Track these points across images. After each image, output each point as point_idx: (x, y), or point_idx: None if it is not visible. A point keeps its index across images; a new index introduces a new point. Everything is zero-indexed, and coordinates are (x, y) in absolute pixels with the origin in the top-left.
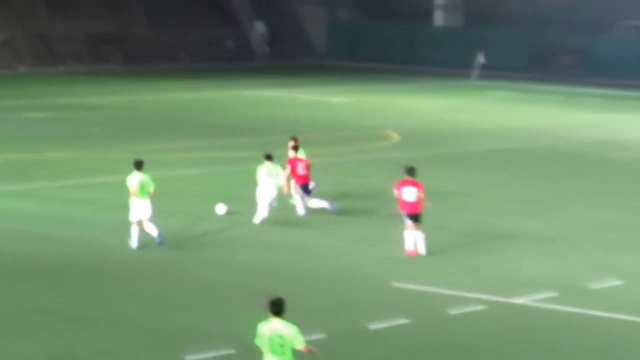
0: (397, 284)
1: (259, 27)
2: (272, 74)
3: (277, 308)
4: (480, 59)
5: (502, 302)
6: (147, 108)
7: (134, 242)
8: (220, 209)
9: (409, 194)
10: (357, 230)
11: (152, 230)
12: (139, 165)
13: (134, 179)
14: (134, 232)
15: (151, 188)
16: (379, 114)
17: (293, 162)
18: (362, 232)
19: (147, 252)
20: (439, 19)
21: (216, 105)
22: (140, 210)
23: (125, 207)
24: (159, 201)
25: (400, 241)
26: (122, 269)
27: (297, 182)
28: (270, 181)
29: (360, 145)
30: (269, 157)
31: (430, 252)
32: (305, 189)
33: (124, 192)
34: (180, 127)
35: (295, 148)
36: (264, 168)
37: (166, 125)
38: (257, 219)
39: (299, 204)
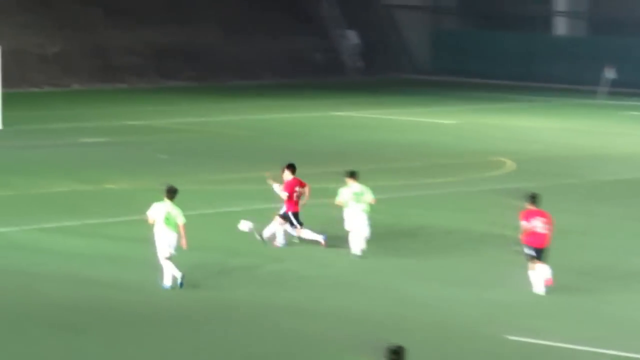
0: (513, 337)
1: (351, 38)
2: (366, 92)
3: (398, 358)
4: (609, 74)
5: None
6: (221, 131)
7: (179, 274)
8: (245, 225)
9: (537, 225)
10: (461, 272)
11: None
12: (171, 194)
13: (159, 209)
14: (173, 269)
15: (180, 221)
16: (491, 137)
17: (297, 184)
18: (467, 274)
19: (211, 294)
20: (560, 27)
21: (301, 128)
22: (167, 243)
23: (191, 248)
24: (229, 239)
25: (513, 284)
26: (186, 317)
27: (290, 208)
28: (357, 205)
29: (468, 175)
30: (353, 175)
31: (550, 297)
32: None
33: (189, 230)
34: (259, 154)
35: (293, 170)
36: (348, 190)
37: (243, 151)
38: (355, 250)
39: (281, 232)
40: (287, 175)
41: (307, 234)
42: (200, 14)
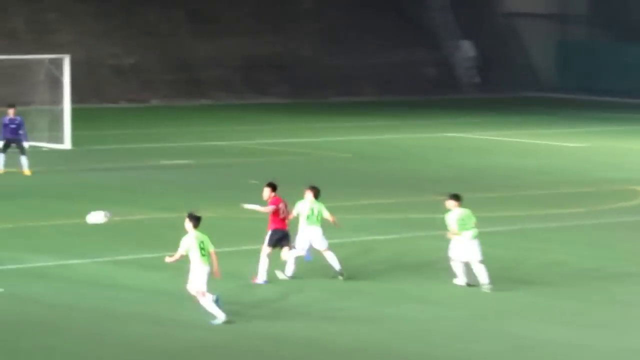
0: None
1: (467, 50)
2: (483, 110)
3: None
4: None
5: None
6: (320, 154)
7: (221, 316)
8: (96, 217)
9: None
10: (590, 314)
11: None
12: (198, 221)
13: (191, 241)
14: (207, 302)
15: (211, 249)
16: (624, 163)
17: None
18: (596, 316)
19: (305, 332)
20: None
21: (409, 151)
22: (203, 278)
23: (279, 283)
24: (321, 279)
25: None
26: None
27: (273, 225)
28: (465, 232)
29: (598, 205)
30: (457, 198)
31: None
32: (285, 237)
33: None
34: (361, 179)
35: (273, 189)
36: (453, 215)
37: (342, 176)
38: (459, 280)
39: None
40: (267, 193)
41: (263, 260)
42: (297, 22)
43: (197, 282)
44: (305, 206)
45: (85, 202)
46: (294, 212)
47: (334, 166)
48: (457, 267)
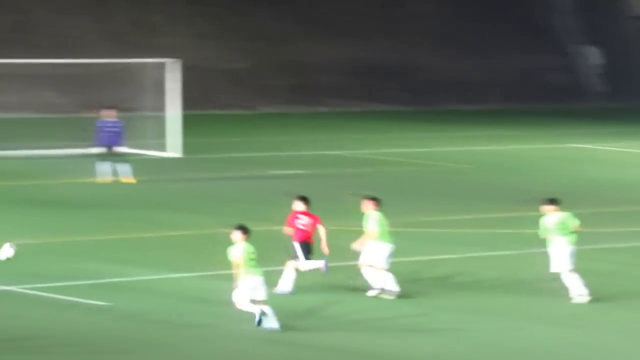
0: None
1: (594, 56)
2: (611, 120)
3: None
4: None
5: None
6: (437, 165)
7: (255, 310)
8: (6, 252)
9: None
10: None
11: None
12: (247, 233)
13: (239, 250)
14: (254, 309)
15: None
16: None
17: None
18: None
19: (427, 347)
20: None
21: (533, 163)
22: (253, 288)
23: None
24: (441, 288)
25: None
26: None
27: (296, 237)
28: (562, 238)
29: None
30: (553, 202)
31: None
32: (307, 249)
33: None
34: (480, 192)
35: (305, 201)
36: (548, 219)
37: (458, 188)
38: (576, 296)
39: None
40: (298, 207)
41: (306, 265)
42: (416, 26)
43: (239, 292)
44: (375, 221)
45: (193, 212)
46: (371, 229)
47: (452, 178)
48: (570, 281)
